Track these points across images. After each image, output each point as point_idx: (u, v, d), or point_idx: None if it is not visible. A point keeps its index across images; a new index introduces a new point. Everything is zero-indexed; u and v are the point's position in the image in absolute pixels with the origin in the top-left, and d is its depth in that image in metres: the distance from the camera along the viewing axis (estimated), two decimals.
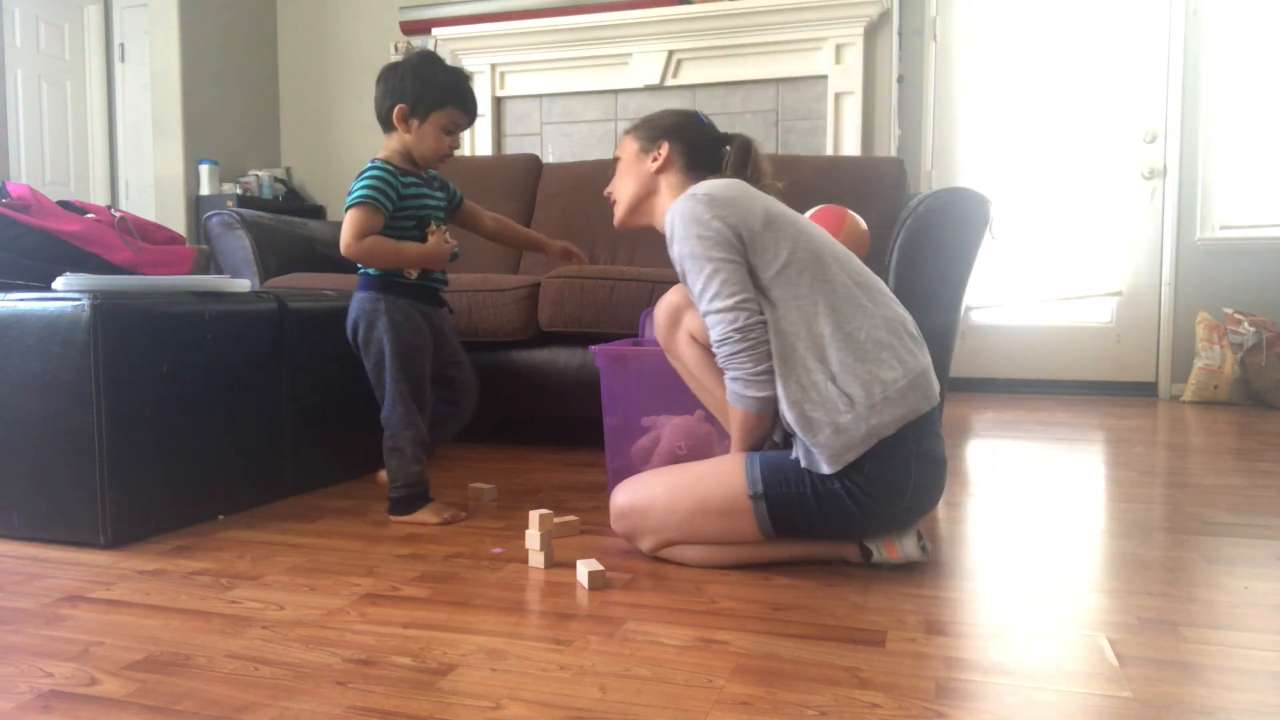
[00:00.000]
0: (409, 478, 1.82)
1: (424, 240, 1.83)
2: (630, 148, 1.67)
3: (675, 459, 1.92)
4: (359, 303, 1.85)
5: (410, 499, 1.83)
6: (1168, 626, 1.25)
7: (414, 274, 1.84)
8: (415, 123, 1.78)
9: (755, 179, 1.60)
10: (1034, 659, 1.14)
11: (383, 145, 1.85)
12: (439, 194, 1.91)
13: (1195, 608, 1.33)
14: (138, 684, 1.06)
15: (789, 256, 1.43)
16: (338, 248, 1.77)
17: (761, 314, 1.42)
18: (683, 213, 1.44)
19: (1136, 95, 4.12)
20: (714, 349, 1.44)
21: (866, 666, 1.11)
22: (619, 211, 1.68)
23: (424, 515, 1.82)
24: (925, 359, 1.46)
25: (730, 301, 1.40)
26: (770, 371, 1.41)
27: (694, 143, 1.62)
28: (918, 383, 1.41)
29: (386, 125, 1.82)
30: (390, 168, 1.78)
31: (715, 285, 1.41)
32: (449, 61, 1.91)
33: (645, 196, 1.65)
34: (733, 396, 1.45)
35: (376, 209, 1.74)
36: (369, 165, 1.79)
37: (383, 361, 1.82)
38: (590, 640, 1.20)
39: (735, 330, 1.40)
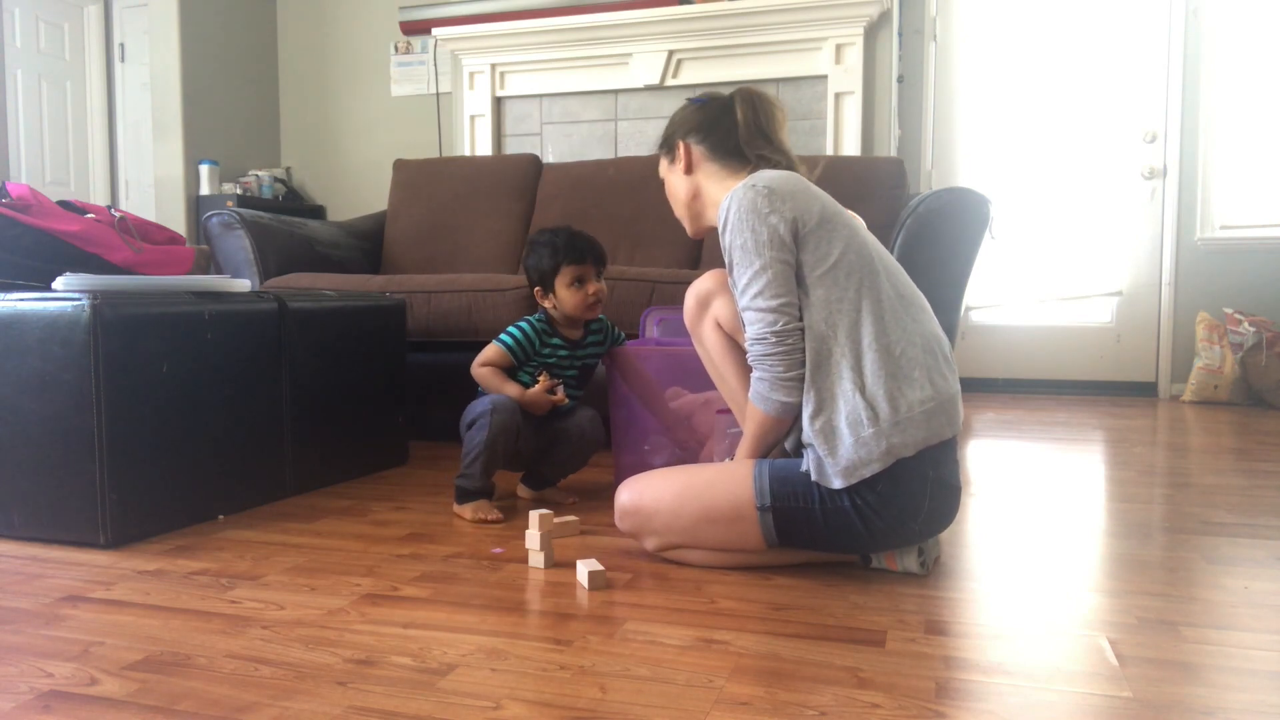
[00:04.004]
0: (469, 470, 1.87)
1: (534, 383, 1.93)
2: (662, 165, 1.66)
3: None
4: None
5: (464, 492, 1.88)
6: (1168, 626, 1.25)
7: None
8: (550, 295, 1.94)
9: (771, 129, 1.56)
10: (1034, 659, 1.14)
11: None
12: (578, 358, 2.01)
13: (1195, 608, 1.33)
14: (138, 684, 1.06)
15: (839, 257, 1.40)
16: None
17: (801, 320, 1.40)
18: (740, 202, 1.41)
19: (1136, 95, 4.12)
20: (747, 345, 1.43)
21: (866, 666, 1.11)
22: (685, 225, 1.67)
23: (465, 510, 1.87)
24: (956, 385, 1.44)
25: (774, 303, 1.39)
26: (799, 379, 1.39)
27: (705, 126, 1.58)
28: (944, 407, 1.39)
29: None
30: (542, 326, 1.97)
31: (761, 283, 1.39)
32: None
33: (692, 199, 1.62)
34: (756, 396, 1.44)
35: (505, 355, 1.94)
36: (533, 317, 1.98)
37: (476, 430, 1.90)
38: (590, 640, 1.20)
39: (773, 332, 1.38)
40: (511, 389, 1.90)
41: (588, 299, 1.93)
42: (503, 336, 1.95)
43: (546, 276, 1.93)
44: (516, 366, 1.95)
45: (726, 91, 1.61)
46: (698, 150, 1.59)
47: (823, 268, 1.40)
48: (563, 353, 1.98)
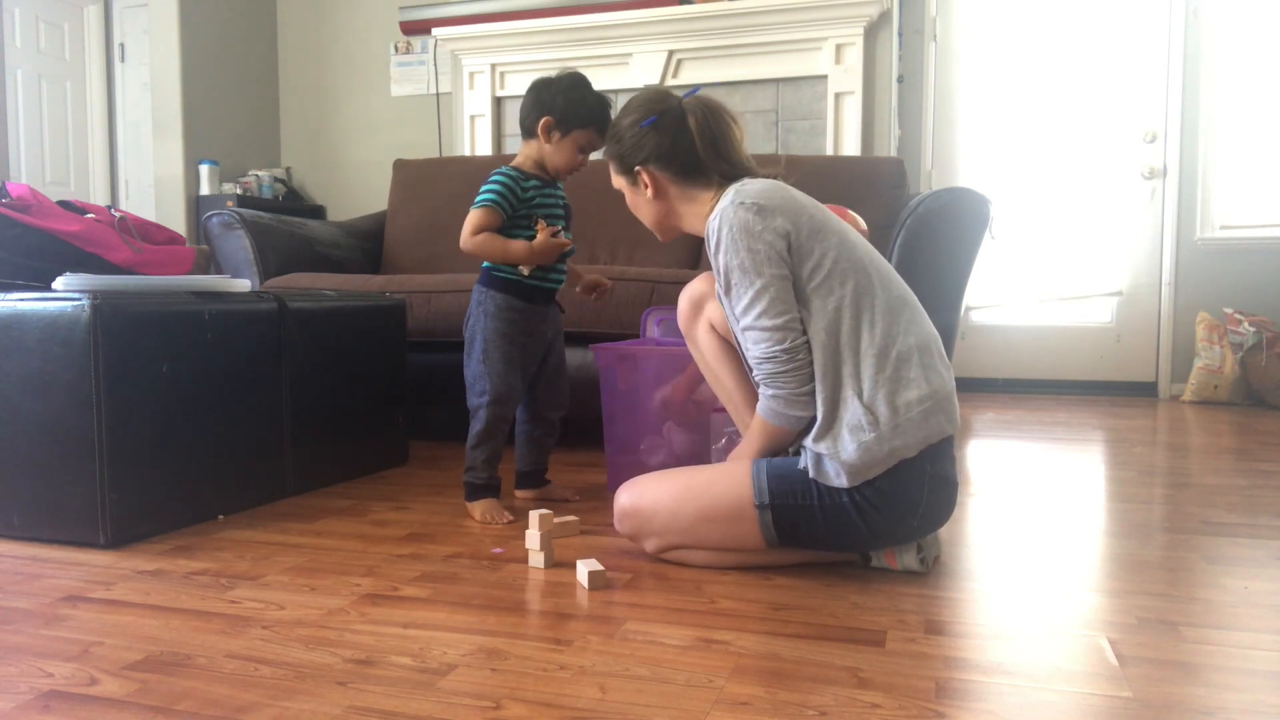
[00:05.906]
0: (472, 463, 1.87)
1: (534, 238, 1.85)
2: (619, 181, 1.60)
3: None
4: (473, 294, 1.92)
5: (472, 488, 1.87)
6: (1168, 626, 1.25)
7: (526, 271, 1.86)
8: (557, 135, 1.84)
9: (724, 143, 1.50)
10: (1034, 659, 1.14)
11: (520, 152, 1.91)
12: (561, 196, 1.94)
13: (1195, 608, 1.33)
14: (138, 684, 1.06)
15: (832, 266, 1.39)
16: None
17: (804, 334, 1.39)
18: (731, 222, 1.39)
19: (1136, 95, 4.12)
20: (754, 364, 1.42)
21: (866, 666, 1.11)
22: (656, 234, 1.63)
23: (475, 509, 1.86)
24: (951, 382, 1.44)
25: (779, 320, 1.37)
26: (811, 392, 1.39)
27: (664, 151, 1.51)
28: (942, 405, 1.39)
29: (528, 133, 1.89)
30: (515, 172, 1.86)
31: (764, 302, 1.37)
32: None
33: (664, 218, 1.58)
34: (771, 414, 1.43)
35: (494, 211, 1.82)
36: (496, 171, 1.87)
37: (472, 350, 1.88)
38: (590, 640, 1.20)
39: (783, 350, 1.37)
40: (518, 245, 1.82)
41: (578, 165, 1.88)
42: (486, 197, 1.82)
43: (567, 122, 1.82)
44: (506, 223, 1.84)
45: (681, 98, 1.53)
46: (662, 176, 1.53)
47: (818, 278, 1.40)
48: (546, 190, 1.88)
